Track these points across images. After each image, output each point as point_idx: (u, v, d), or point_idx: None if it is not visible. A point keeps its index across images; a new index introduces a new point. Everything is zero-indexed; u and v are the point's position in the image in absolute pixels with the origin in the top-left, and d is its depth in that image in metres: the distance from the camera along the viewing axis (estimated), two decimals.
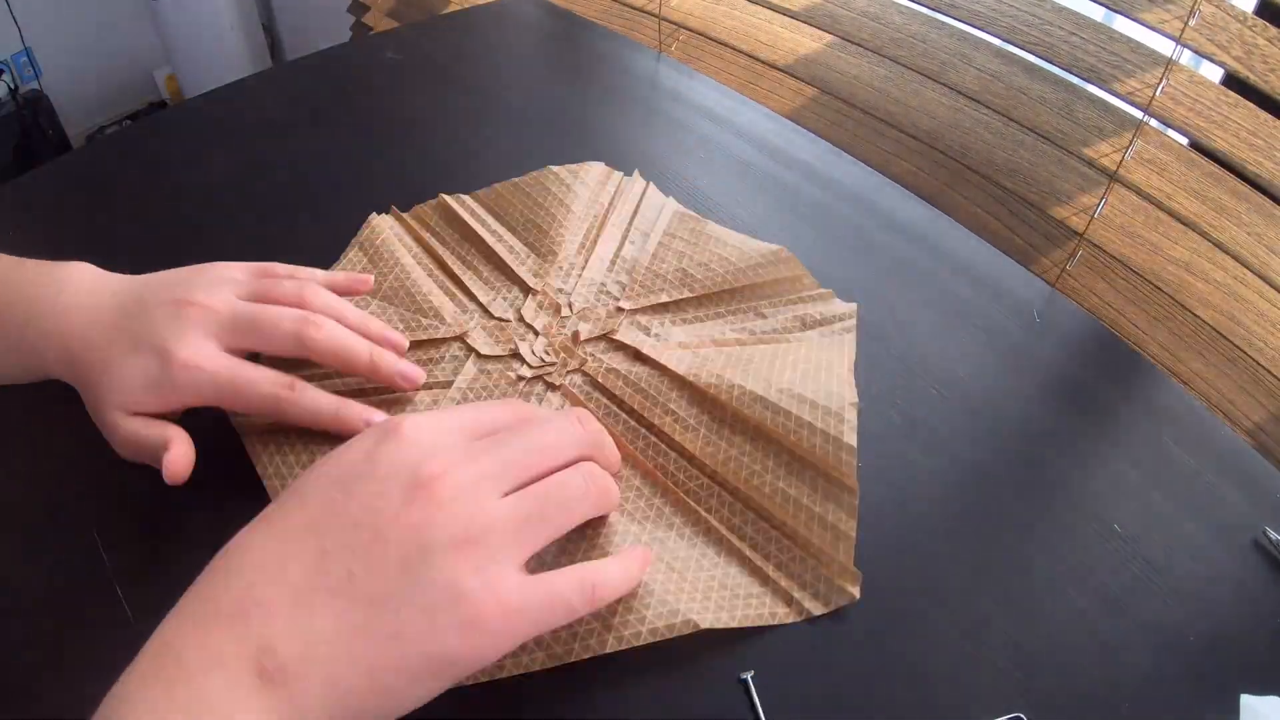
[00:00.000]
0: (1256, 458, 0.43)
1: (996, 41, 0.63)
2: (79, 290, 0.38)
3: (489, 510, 0.29)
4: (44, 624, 0.34)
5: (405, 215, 0.53)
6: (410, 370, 0.40)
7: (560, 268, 0.49)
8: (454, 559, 0.27)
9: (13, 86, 1.76)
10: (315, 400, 0.38)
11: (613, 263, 0.50)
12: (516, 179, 0.55)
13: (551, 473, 0.32)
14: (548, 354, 0.44)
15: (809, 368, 0.43)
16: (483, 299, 0.47)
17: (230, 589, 0.27)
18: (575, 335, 0.45)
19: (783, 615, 0.34)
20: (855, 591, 0.35)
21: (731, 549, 0.36)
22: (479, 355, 0.43)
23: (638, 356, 0.43)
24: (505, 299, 0.47)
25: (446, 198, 0.53)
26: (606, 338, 0.45)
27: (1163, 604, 0.36)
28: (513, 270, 0.48)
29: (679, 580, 0.34)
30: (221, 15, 1.86)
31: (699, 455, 0.39)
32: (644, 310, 0.47)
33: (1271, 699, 0.33)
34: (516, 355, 0.44)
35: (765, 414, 0.40)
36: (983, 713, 0.32)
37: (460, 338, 0.44)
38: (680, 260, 0.50)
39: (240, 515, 0.38)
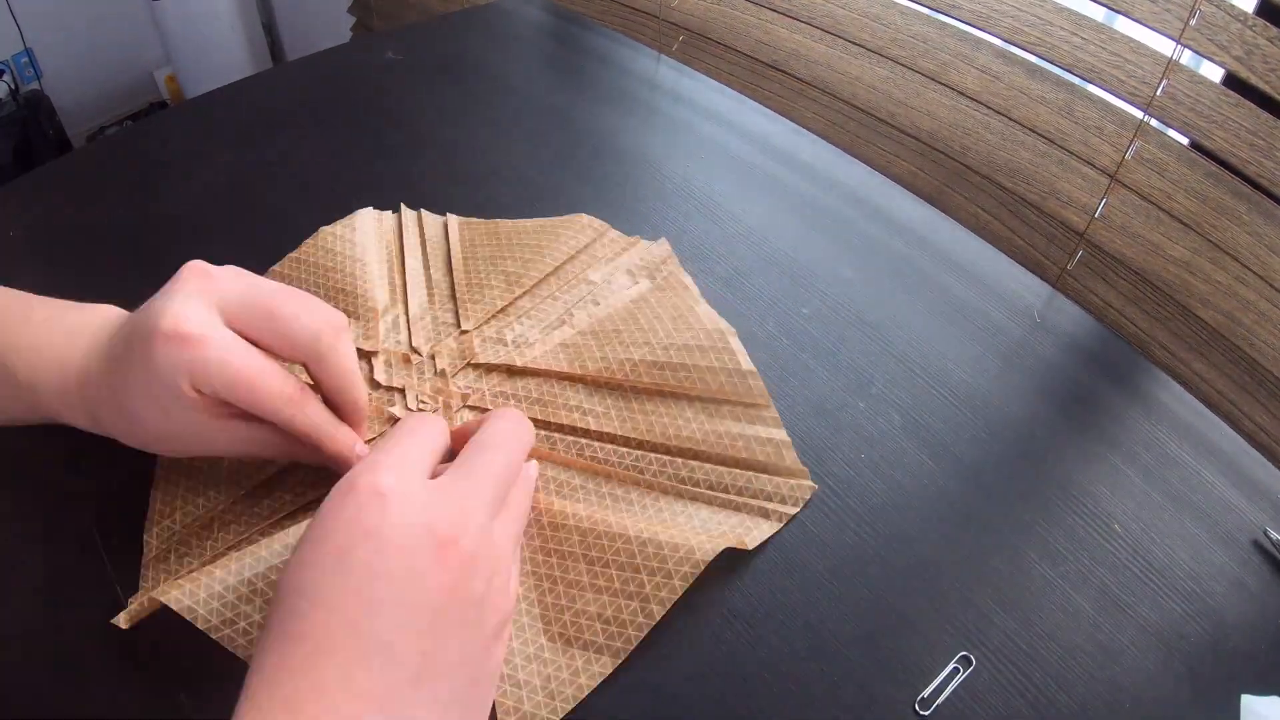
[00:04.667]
0: (1256, 458, 0.43)
1: (997, 42, 0.63)
2: (95, 329, 0.35)
3: (498, 542, 0.30)
4: (43, 624, 0.34)
5: None
6: (364, 449, 0.36)
7: (385, 322, 0.46)
8: (492, 597, 0.29)
9: (13, 87, 1.76)
10: (320, 413, 0.34)
11: (430, 294, 0.48)
12: (292, 253, 0.50)
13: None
14: (424, 405, 0.42)
15: (671, 315, 0.45)
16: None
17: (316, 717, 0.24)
18: (443, 374, 0.43)
19: (766, 528, 0.37)
20: (810, 484, 0.39)
21: (694, 497, 0.38)
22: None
23: (513, 371, 0.43)
24: None
25: None
26: (470, 365, 0.44)
27: (1163, 604, 0.36)
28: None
29: (670, 532, 0.36)
30: (221, 15, 1.86)
31: (621, 433, 0.40)
32: (487, 323, 0.46)
33: (1272, 699, 0.33)
34: (393, 422, 0.41)
35: (663, 374, 0.42)
36: (982, 712, 0.32)
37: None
38: (492, 265, 0.49)
39: None
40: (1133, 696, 0.33)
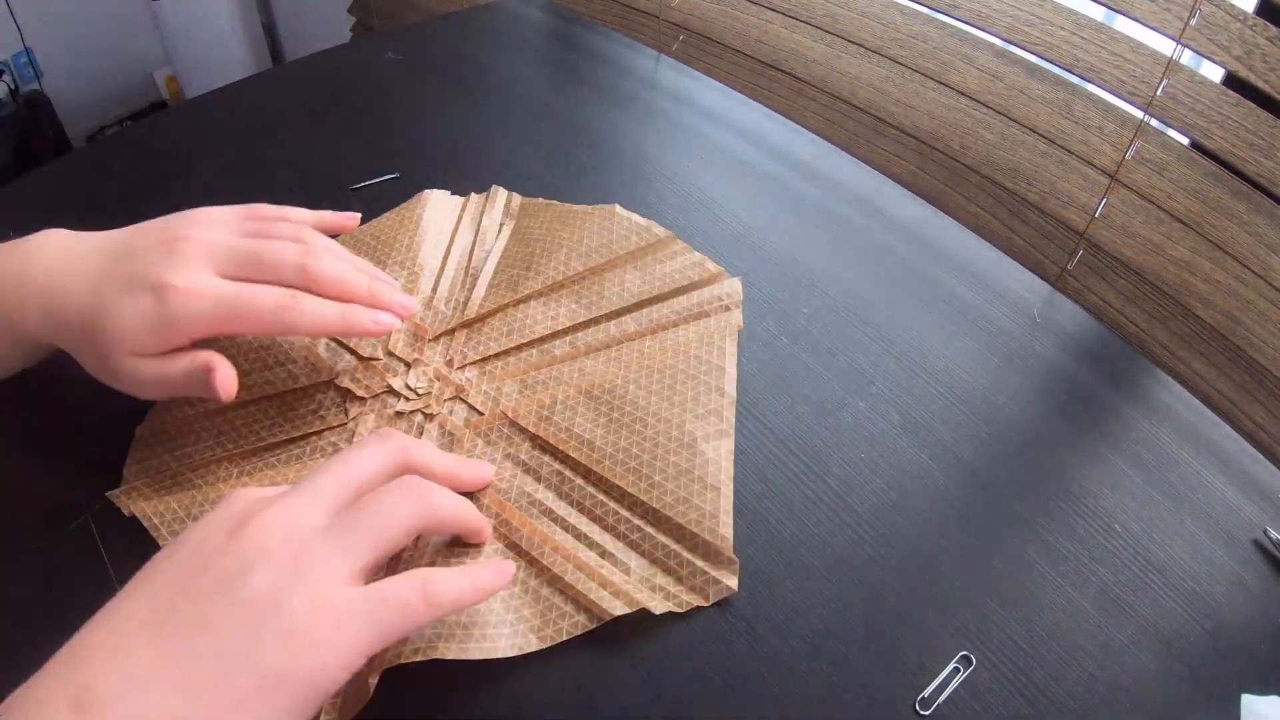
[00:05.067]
0: (1256, 458, 0.43)
1: (997, 41, 0.63)
2: (52, 253, 0.38)
3: (305, 528, 0.29)
4: (44, 624, 0.34)
5: None
6: (406, 301, 0.41)
7: (421, 295, 0.47)
8: (274, 573, 0.27)
9: (13, 87, 1.76)
10: (319, 307, 0.38)
11: (465, 270, 0.49)
12: (372, 222, 0.53)
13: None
14: (420, 384, 0.42)
15: (691, 373, 0.42)
16: (350, 341, 0.45)
17: (66, 648, 0.26)
18: (450, 361, 0.44)
19: (660, 606, 0.34)
20: (733, 584, 0.35)
21: (618, 548, 0.36)
22: (354, 397, 0.42)
23: (523, 381, 0.43)
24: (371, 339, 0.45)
25: None
26: (476, 362, 0.44)
27: (1163, 604, 0.36)
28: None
29: (575, 578, 0.35)
30: (221, 16, 1.86)
31: (589, 466, 0.39)
32: (497, 313, 0.46)
33: (1272, 699, 0.33)
34: (392, 392, 0.42)
35: (648, 438, 0.40)
36: (982, 712, 0.32)
37: (331, 382, 0.43)
38: (530, 246, 0.50)
39: None
40: (1133, 696, 0.33)
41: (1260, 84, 0.50)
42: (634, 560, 0.36)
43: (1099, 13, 0.57)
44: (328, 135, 0.62)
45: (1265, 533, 0.39)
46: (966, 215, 0.68)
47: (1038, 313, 0.50)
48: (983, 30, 0.62)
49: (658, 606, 0.34)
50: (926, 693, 0.33)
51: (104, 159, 0.62)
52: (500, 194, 0.55)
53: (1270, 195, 0.52)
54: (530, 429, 0.40)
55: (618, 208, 0.53)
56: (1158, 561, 0.38)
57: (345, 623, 0.27)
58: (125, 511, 0.37)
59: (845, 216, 0.57)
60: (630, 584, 0.35)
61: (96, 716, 0.24)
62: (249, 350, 0.43)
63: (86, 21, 1.88)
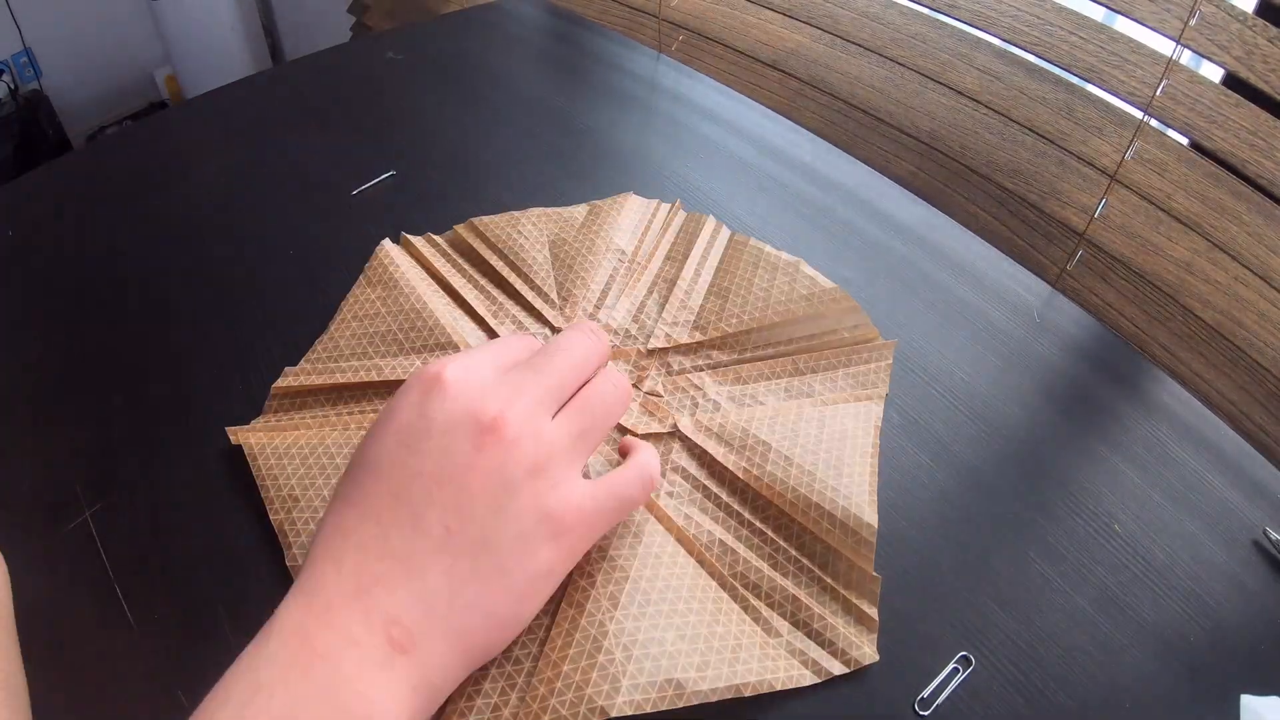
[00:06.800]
0: (1256, 458, 0.43)
1: (996, 41, 0.63)
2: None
3: (549, 435, 0.31)
4: (44, 624, 0.34)
5: (415, 241, 0.50)
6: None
7: (584, 306, 0.47)
8: (532, 486, 0.30)
9: (13, 86, 1.76)
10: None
11: (646, 296, 0.48)
12: (551, 209, 0.53)
13: (582, 384, 0.34)
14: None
15: (835, 462, 0.39)
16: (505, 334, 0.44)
17: (343, 572, 0.28)
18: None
19: (797, 677, 0.33)
20: (873, 652, 0.34)
21: (746, 607, 0.35)
22: None
23: (678, 435, 0.41)
24: (536, 334, 0.45)
25: (461, 230, 0.51)
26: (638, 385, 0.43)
27: (1163, 604, 0.36)
28: (537, 309, 0.46)
29: (691, 645, 0.32)
30: (221, 15, 1.86)
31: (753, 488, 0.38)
32: (675, 350, 0.45)
33: (1271, 699, 0.33)
34: None
35: (792, 527, 0.37)
36: (982, 712, 0.32)
37: None
38: (719, 297, 0.47)
39: (239, 518, 0.38)
40: (1133, 696, 0.33)
41: (1260, 84, 0.50)
42: (778, 622, 0.34)
43: (1099, 13, 0.57)
44: (327, 135, 0.62)
45: (1265, 533, 0.39)
46: (966, 215, 0.68)
47: (1037, 313, 0.50)
48: (983, 30, 0.62)
49: (804, 678, 0.33)
50: (926, 693, 0.33)
51: (104, 159, 0.62)
52: (709, 223, 0.53)
53: (1270, 195, 0.52)
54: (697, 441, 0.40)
55: (803, 264, 0.49)
56: (1158, 562, 0.38)
57: (591, 518, 0.31)
58: (233, 440, 0.39)
59: (845, 216, 0.57)
60: (777, 651, 0.33)
61: (414, 655, 0.27)
62: (414, 323, 0.44)
63: (86, 21, 1.89)
